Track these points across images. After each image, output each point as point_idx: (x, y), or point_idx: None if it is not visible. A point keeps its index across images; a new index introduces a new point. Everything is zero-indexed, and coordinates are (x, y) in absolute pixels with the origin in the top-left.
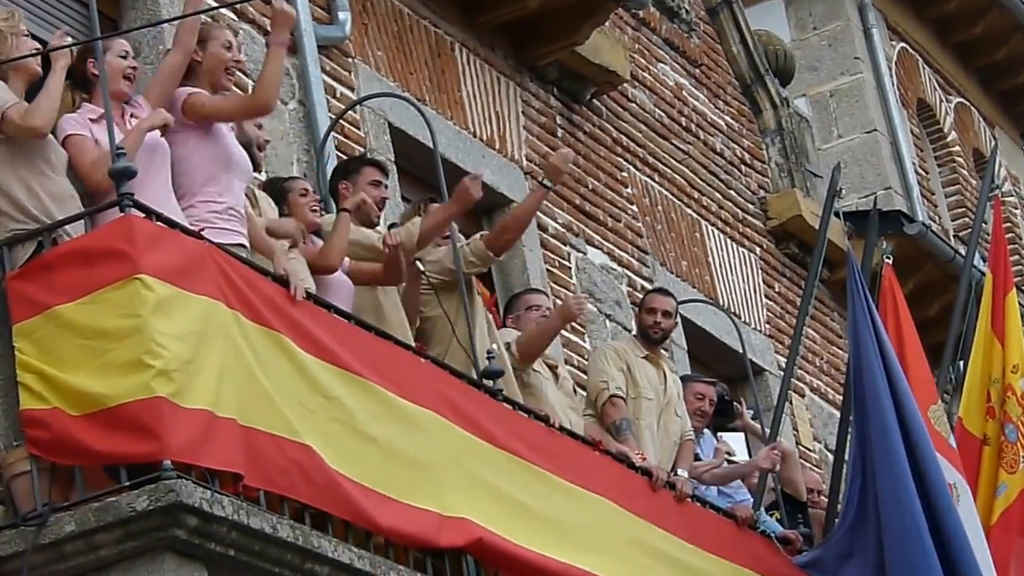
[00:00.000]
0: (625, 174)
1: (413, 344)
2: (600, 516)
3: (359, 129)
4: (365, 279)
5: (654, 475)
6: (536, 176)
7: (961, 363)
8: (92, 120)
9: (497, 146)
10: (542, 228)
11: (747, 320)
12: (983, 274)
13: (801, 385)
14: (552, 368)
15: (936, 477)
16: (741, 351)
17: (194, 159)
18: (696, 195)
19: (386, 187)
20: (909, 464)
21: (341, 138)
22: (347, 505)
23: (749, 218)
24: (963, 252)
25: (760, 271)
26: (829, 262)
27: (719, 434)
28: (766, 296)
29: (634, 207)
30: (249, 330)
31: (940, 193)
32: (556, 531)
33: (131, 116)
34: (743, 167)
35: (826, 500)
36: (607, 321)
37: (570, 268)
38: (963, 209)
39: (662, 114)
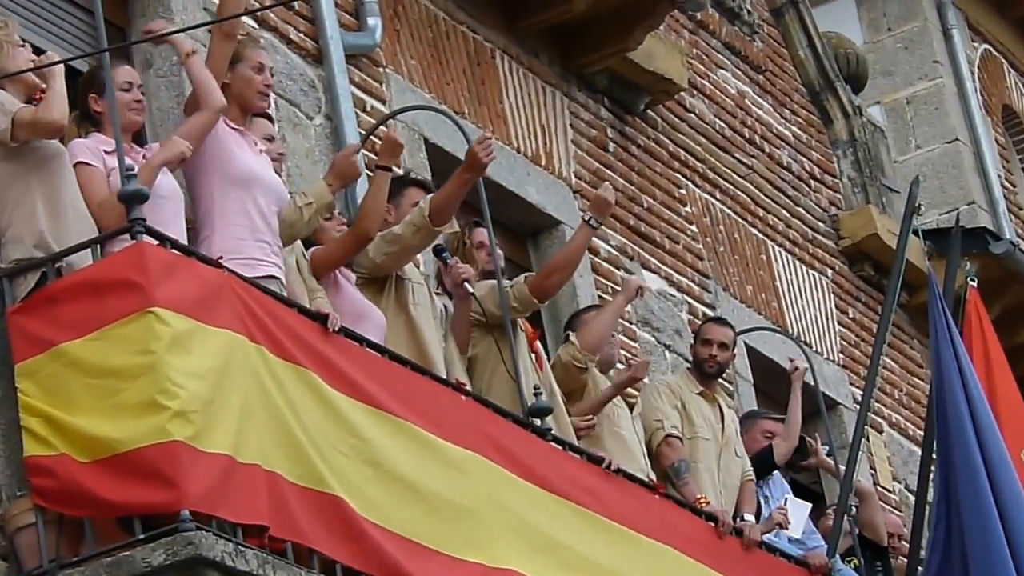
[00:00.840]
0: (683, 191)
1: (455, 379)
2: (662, 564)
3: None
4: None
5: (720, 520)
6: (586, 195)
7: None
8: (106, 152)
9: (543, 162)
10: (593, 251)
11: (819, 350)
12: None
13: (879, 420)
14: (632, 406)
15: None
16: (813, 384)
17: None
18: (761, 213)
19: None
20: (997, 507)
21: (372, 156)
22: (381, 560)
23: (820, 238)
24: None
25: (832, 296)
26: (908, 285)
27: (787, 497)
28: (839, 323)
29: (693, 227)
30: (275, 366)
31: None
32: None
33: (144, 158)
34: (812, 182)
35: (907, 546)
36: (666, 352)
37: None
38: None
39: (723, 125)
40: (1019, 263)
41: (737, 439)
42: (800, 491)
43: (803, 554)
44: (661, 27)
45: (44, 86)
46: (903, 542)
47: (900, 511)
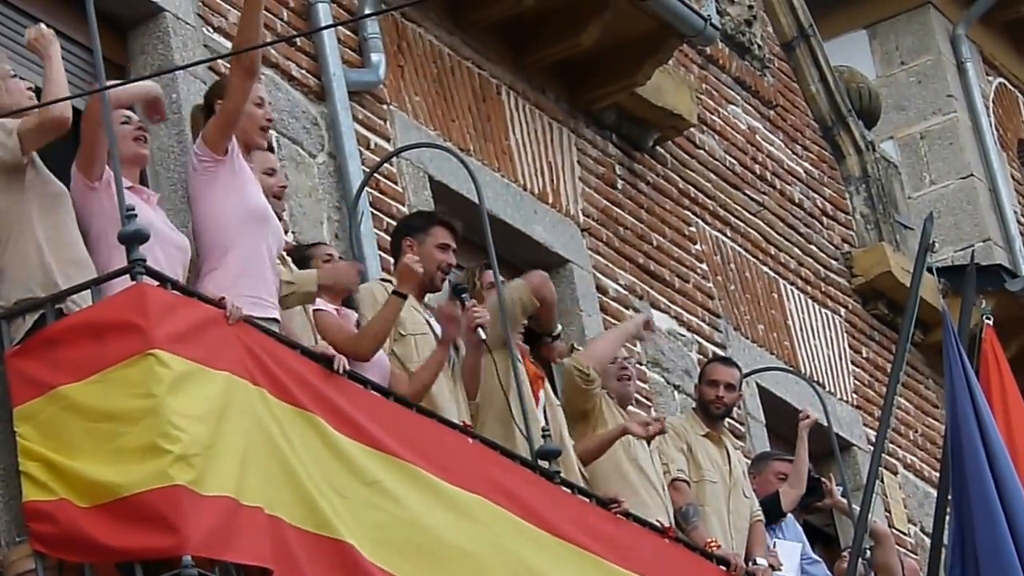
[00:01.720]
0: (693, 229)
1: (462, 421)
2: None
3: (396, 184)
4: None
5: (732, 564)
6: (594, 233)
7: None
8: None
9: (550, 200)
10: (602, 291)
11: (832, 390)
12: None
13: (893, 461)
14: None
15: None
16: (826, 424)
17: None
18: (773, 251)
19: (454, 251)
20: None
21: (376, 194)
22: None
23: (832, 276)
24: None
25: (846, 335)
26: (922, 323)
27: (776, 541)
28: (853, 363)
29: (704, 265)
30: (277, 409)
31: None
32: None
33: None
34: (825, 219)
35: None
36: (675, 393)
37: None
38: None
39: (733, 161)
40: None
41: (745, 480)
42: (814, 533)
43: None
44: (670, 62)
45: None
46: None
47: (916, 554)
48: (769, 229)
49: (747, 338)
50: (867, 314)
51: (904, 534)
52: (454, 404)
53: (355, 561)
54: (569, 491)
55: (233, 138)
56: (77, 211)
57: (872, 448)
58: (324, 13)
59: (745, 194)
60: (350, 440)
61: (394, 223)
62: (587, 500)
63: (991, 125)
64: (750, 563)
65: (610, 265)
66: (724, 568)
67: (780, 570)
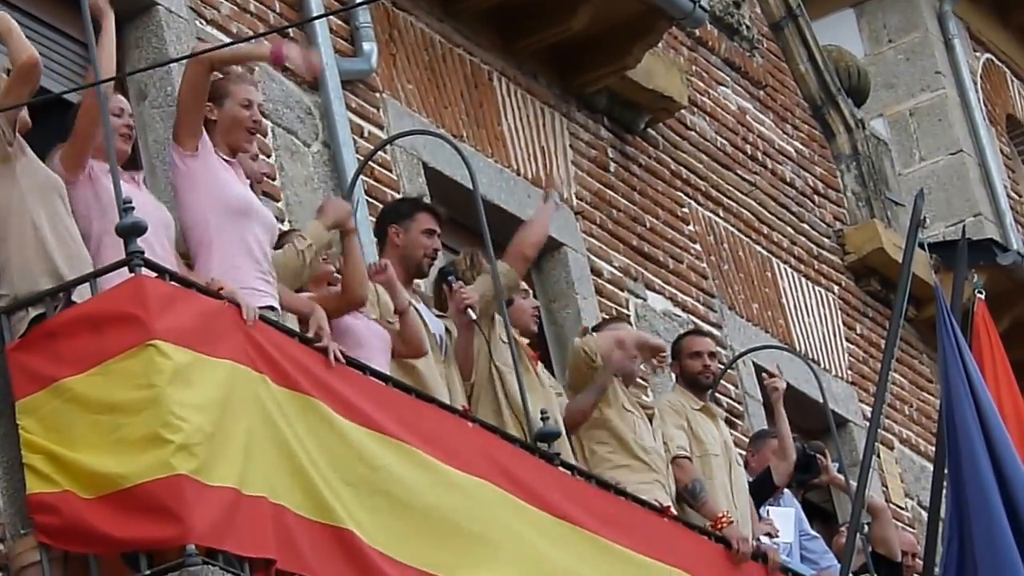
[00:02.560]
0: (686, 210)
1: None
2: None
3: (390, 171)
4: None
5: (736, 542)
6: (589, 217)
7: None
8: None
9: (544, 184)
10: (596, 273)
11: (827, 367)
12: None
13: (889, 436)
14: (649, 415)
15: None
16: (821, 401)
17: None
18: (765, 230)
19: (439, 236)
20: (1010, 522)
21: (371, 181)
22: None
23: (825, 253)
24: None
25: (839, 312)
26: (915, 299)
27: (768, 509)
28: (847, 339)
29: (697, 246)
30: (279, 396)
31: None
32: None
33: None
34: (816, 197)
35: (921, 563)
36: (672, 374)
37: (629, 316)
38: None
39: (724, 142)
40: None
41: (735, 451)
42: (812, 510)
43: (816, 574)
44: (659, 45)
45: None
46: (917, 559)
47: (913, 527)
48: (761, 208)
49: (742, 317)
50: (860, 291)
51: (901, 508)
52: (445, 388)
53: (357, 548)
54: (568, 473)
55: (204, 133)
56: None
57: (868, 424)
58: (316, 3)
59: (737, 174)
60: (353, 424)
61: None
62: (587, 481)
63: (979, 101)
64: (756, 542)
65: (604, 247)
66: (722, 546)
67: (778, 537)
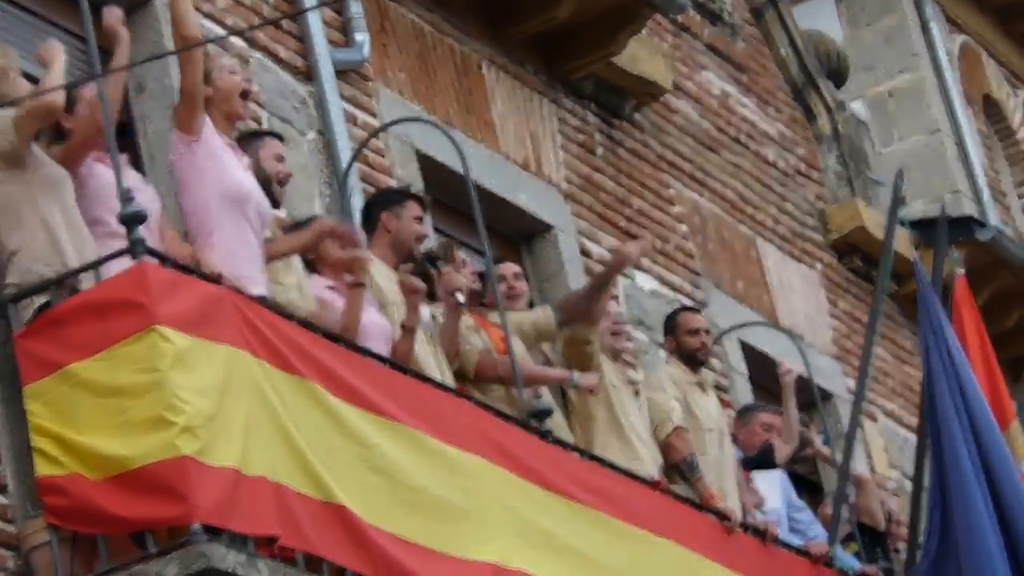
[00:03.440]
0: (672, 191)
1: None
2: (667, 559)
3: (384, 158)
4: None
5: (731, 519)
6: (579, 199)
7: None
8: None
9: (533, 169)
10: (586, 254)
11: (811, 342)
12: None
13: (873, 409)
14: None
15: (1017, 500)
16: (807, 376)
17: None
18: (750, 210)
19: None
20: (989, 487)
21: (366, 168)
22: (390, 565)
23: (808, 232)
24: None
25: (823, 288)
26: (897, 275)
27: (752, 473)
28: (830, 315)
29: (683, 227)
30: (277, 379)
31: (1012, 194)
32: None
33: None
34: (799, 178)
35: (906, 531)
36: (660, 351)
37: (617, 296)
38: None
39: (709, 125)
40: (1005, 249)
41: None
42: (798, 481)
43: (804, 544)
44: (643, 31)
45: None
46: (902, 527)
47: (898, 497)
48: (745, 189)
49: (727, 295)
50: (843, 268)
51: (887, 479)
52: (438, 371)
53: (355, 524)
54: (562, 448)
55: (205, 117)
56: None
57: (852, 397)
58: None
59: (721, 156)
60: (349, 405)
61: None
62: (580, 456)
63: (956, 81)
64: (748, 517)
65: (593, 229)
66: (715, 517)
67: (766, 504)
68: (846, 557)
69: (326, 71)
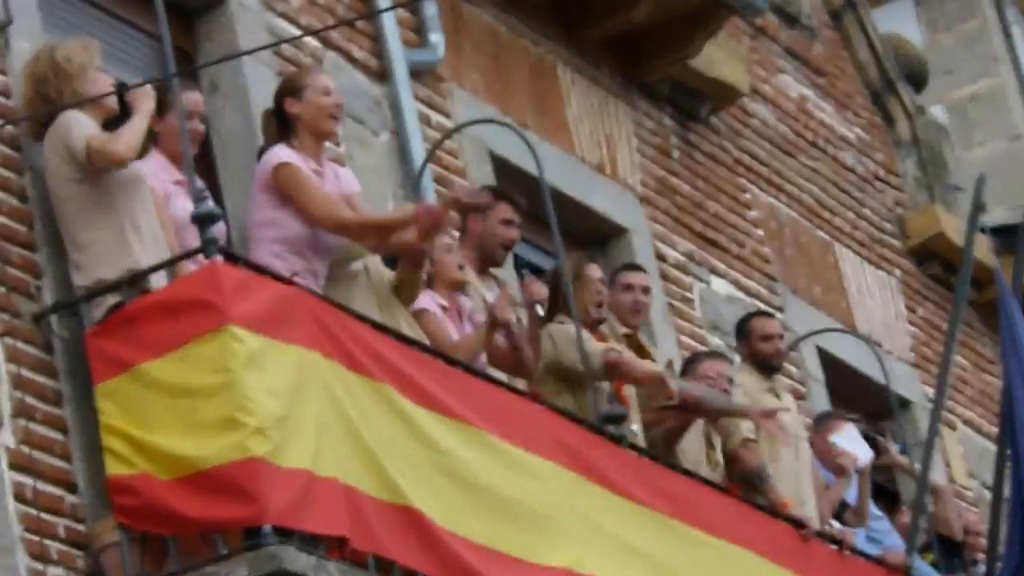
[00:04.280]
0: (748, 196)
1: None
2: (739, 566)
3: (458, 159)
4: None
5: (808, 526)
6: (654, 203)
7: None
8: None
9: (608, 171)
10: (661, 258)
11: (889, 349)
12: None
13: (952, 417)
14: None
15: None
16: (884, 383)
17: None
18: (827, 215)
19: (518, 226)
20: None
21: (439, 170)
22: (462, 568)
23: (886, 238)
24: None
25: (901, 295)
26: (977, 282)
27: (831, 440)
28: (909, 322)
29: (760, 231)
30: (349, 381)
31: None
32: None
33: None
34: (877, 183)
35: (984, 542)
36: (735, 357)
37: (693, 300)
38: None
39: (786, 129)
40: None
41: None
42: (875, 490)
43: (881, 553)
44: (720, 34)
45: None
46: (980, 538)
47: (976, 507)
48: (822, 194)
49: (804, 300)
50: (921, 274)
51: (965, 488)
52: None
53: (426, 527)
54: (635, 453)
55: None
56: None
57: (931, 405)
58: None
59: (798, 160)
60: (421, 408)
61: None
62: (653, 461)
63: None
64: (824, 526)
65: (668, 233)
66: (790, 525)
67: (856, 458)
68: (923, 567)
69: (400, 72)
